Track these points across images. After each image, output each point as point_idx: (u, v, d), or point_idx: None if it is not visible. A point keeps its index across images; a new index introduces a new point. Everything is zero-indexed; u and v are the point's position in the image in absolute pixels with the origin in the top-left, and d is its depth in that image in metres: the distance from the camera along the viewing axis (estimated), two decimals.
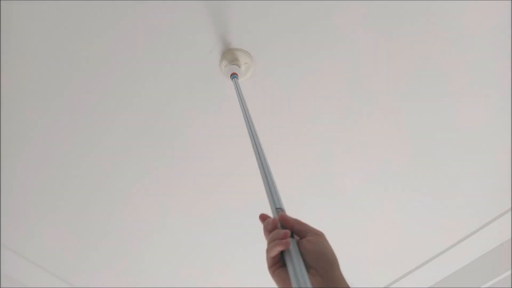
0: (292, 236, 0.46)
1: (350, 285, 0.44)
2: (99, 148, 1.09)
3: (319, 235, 0.47)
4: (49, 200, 1.19)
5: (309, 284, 0.38)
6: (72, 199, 1.19)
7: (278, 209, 0.51)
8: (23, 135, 1.05)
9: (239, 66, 0.94)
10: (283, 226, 0.48)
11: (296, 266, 0.41)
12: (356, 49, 0.94)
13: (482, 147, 1.09)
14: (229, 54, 0.95)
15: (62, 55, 0.92)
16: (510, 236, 1.25)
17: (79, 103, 1.01)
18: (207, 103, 1.02)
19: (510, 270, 1.25)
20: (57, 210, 1.22)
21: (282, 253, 0.45)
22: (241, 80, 0.94)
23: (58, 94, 0.99)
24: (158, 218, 1.27)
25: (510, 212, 1.20)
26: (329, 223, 1.25)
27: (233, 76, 0.90)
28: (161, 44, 0.91)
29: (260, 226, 0.52)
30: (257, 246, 1.12)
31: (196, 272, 1.42)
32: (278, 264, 0.46)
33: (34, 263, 1.35)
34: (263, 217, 0.52)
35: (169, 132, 1.08)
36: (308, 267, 0.43)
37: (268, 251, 0.45)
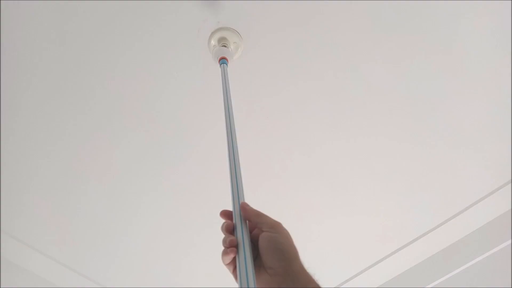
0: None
1: (314, 274, 0.41)
2: (101, 146, 1.12)
3: (273, 228, 0.42)
4: (51, 191, 1.21)
5: None
6: (75, 191, 1.21)
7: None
8: (30, 129, 1.07)
9: (227, 46, 0.92)
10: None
11: (242, 275, 0.37)
12: (352, 30, 0.91)
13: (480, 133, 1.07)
14: (218, 33, 0.93)
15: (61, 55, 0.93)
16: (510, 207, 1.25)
17: (75, 103, 1.02)
18: (192, 86, 1.02)
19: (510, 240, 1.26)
20: (59, 199, 1.23)
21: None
22: (230, 60, 0.92)
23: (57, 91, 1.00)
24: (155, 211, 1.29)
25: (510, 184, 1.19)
26: (320, 203, 1.27)
27: (222, 61, 0.86)
28: (148, 23, 0.91)
29: None
30: None
31: (196, 271, 1.45)
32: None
33: (34, 248, 1.37)
34: (224, 213, 0.48)
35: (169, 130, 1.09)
36: (266, 267, 0.40)
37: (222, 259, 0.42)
